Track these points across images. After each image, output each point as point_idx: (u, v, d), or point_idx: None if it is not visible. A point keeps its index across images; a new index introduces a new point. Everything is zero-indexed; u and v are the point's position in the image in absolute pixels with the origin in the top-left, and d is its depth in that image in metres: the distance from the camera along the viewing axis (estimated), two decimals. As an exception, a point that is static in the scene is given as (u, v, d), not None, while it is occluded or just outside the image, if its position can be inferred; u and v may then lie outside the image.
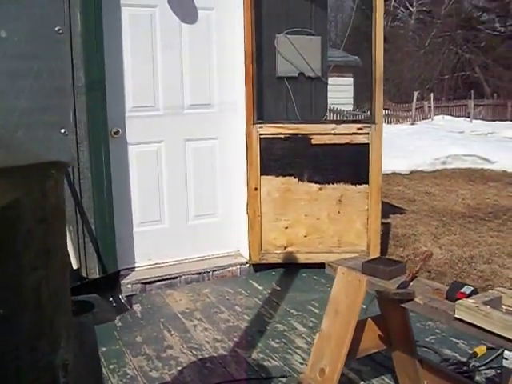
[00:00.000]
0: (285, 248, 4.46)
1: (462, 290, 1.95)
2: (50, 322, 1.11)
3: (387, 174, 9.38)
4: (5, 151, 0.84)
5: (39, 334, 1.07)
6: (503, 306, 1.86)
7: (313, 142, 4.37)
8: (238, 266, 4.48)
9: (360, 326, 2.34)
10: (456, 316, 1.83)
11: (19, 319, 1.02)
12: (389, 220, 6.76)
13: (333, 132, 4.37)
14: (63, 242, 1.15)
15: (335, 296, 2.29)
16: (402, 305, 2.08)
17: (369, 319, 2.48)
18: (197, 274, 4.32)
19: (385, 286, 2.17)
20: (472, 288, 1.96)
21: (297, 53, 4.53)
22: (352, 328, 2.20)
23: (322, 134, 4.37)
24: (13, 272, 1.01)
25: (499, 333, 1.68)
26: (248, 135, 4.33)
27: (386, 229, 6.08)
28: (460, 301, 1.84)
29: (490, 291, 1.95)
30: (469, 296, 1.91)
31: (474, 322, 1.76)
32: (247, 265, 4.50)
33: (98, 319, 1.82)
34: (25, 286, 1.04)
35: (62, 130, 0.92)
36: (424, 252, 2.32)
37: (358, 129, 4.39)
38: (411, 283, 2.17)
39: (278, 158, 4.38)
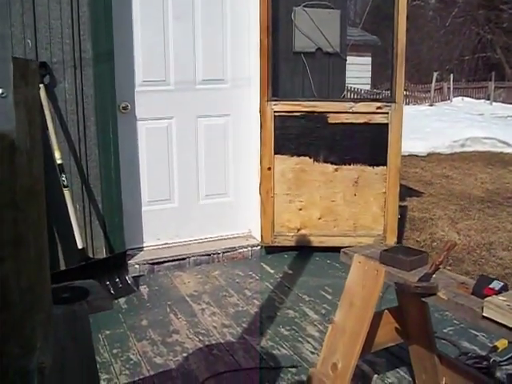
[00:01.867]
0: (298, 230, 4.31)
1: (491, 286, 1.78)
2: (21, 322, 0.96)
3: (404, 156, 9.12)
4: None
5: (9, 335, 0.93)
6: (536, 305, 1.70)
7: (329, 120, 4.18)
8: (250, 248, 4.33)
9: (376, 319, 2.19)
10: (484, 315, 1.67)
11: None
12: (405, 203, 6.57)
13: (351, 111, 4.18)
14: (40, 230, 1.00)
15: (350, 286, 2.14)
16: (424, 299, 1.92)
17: (385, 311, 2.33)
18: (206, 255, 4.18)
19: (405, 278, 2.00)
20: (502, 283, 1.79)
21: (315, 27, 4.32)
22: (368, 322, 2.05)
23: (340, 112, 4.18)
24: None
25: (533, 335, 1.52)
26: (262, 112, 4.16)
27: (402, 212, 5.90)
28: (489, 298, 1.68)
29: (522, 287, 1.78)
30: (498, 292, 1.74)
31: (505, 323, 1.59)
32: (259, 247, 4.35)
33: (93, 307, 1.67)
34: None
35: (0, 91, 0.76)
36: (447, 242, 2.15)
37: (378, 108, 4.19)
38: (434, 275, 2.00)
39: (292, 137, 4.21)
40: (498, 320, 1.63)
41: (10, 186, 0.90)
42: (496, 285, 1.79)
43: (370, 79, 19.61)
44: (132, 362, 2.86)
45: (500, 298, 1.67)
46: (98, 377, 1.75)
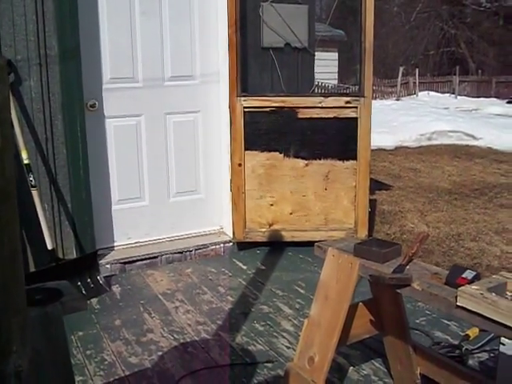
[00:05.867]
0: (270, 226, 4.31)
1: (464, 275, 1.80)
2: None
3: (372, 150, 9.10)
4: None
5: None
6: (508, 293, 1.73)
7: (299, 115, 4.19)
8: (222, 245, 4.31)
9: (351, 311, 2.20)
10: (458, 304, 1.69)
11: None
12: (374, 196, 6.63)
13: (320, 105, 4.19)
14: (13, 231, 0.97)
15: (325, 280, 2.14)
16: (399, 290, 1.93)
17: (360, 304, 2.34)
18: (178, 253, 4.16)
19: (379, 270, 2.02)
20: (474, 273, 1.82)
21: (283, 22, 4.32)
22: (343, 315, 2.06)
23: (309, 107, 4.19)
24: None
25: (507, 323, 1.54)
26: (232, 108, 4.14)
27: (371, 205, 5.94)
28: (463, 287, 1.70)
29: (494, 276, 1.81)
30: (471, 282, 1.76)
31: (479, 311, 1.62)
32: (231, 243, 4.34)
33: (68, 308, 1.64)
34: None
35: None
36: (420, 233, 2.17)
37: (347, 102, 4.21)
38: (407, 267, 2.02)
39: (262, 133, 4.20)
40: (472, 309, 1.65)
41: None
42: (469, 274, 1.81)
43: (337, 74, 19.71)
44: (106, 362, 2.82)
45: (473, 287, 1.69)
46: (73, 379, 1.73)
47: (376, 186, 7.20)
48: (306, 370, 2.14)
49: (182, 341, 3.03)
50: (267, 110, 4.18)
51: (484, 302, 1.61)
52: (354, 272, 2.02)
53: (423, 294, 1.83)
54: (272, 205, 4.29)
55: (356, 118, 4.23)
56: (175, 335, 3.09)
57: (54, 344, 1.56)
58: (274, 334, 3.11)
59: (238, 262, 4.17)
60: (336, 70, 19.64)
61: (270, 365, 2.80)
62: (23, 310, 1.04)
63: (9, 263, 0.97)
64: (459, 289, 1.70)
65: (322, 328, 2.11)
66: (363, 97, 4.21)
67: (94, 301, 3.51)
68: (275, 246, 4.38)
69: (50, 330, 1.55)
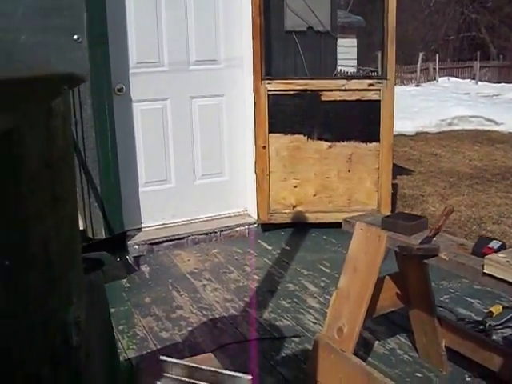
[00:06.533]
0: (294, 207, 4.38)
1: (490, 245, 1.86)
2: (61, 277, 1.02)
3: (393, 135, 9.22)
4: (5, 59, 0.72)
5: (49, 289, 0.98)
6: (534, 261, 1.78)
7: (323, 98, 4.24)
8: (246, 226, 4.39)
9: (378, 285, 2.26)
10: (485, 271, 1.74)
11: (27, 274, 0.93)
12: (395, 181, 6.65)
13: (343, 88, 4.23)
14: (73, 192, 1.05)
15: (353, 253, 2.21)
16: (426, 261, 1.99)
17: (386, 277, 2.40)
18: (204, 234, 4.24)
19: (407, 242, 2.08)
20: (500, 243, 1.87)
21: (305, 5, 4.36)
22: (372, 286, 2.12)
23: (332, 90, 4.24)
24: (18, 220, 0.92)
25: (533, 288, 1.60)
26: (256, 92, 4.20)
27: (393, 189, 5.98)
28: (490, 256, 1.75)
29: (520, 246, 1.86)
30: (497, 251, 1.82)
31: (505, 278, 1.67)
32: (255, 225, 4.41)
33: (109, 277, 1.73)
34: (32, 237, 0.94)
35: (75, 37, 0.80)
36: (446, 207, 2.22)
37: (369, 85, 4.25)
38: (434, 239, 2.08)
39: (286, 116, 4.26)
40: (499, 276, 1.70)
41: (48, 147, 0.95)
42: (495, 244, 1.86)
43: (355, 61, 19.62)
44: (138, 337, 2.92)
45: (500, 255, 1.75)
46: (115, 344, 1.82)
47: (397, 170, 7.22)
48: (335, 340, 2.21)
49: (210, 317, 3.12)
50: (291, 93, 4.23)
51: (510, 269, 1.66)
52: (382, 244, 2.08)
53: (450, 263, 1.89)
54: (296, 187, 4.35)
55: (379, 101, 4.26)
56: (204, 311, 3.18)
57: (97, 310, 1.64)
58: (301, 310, 3.18)
59: (262, 243, 4.25)
60: (355, 56, 19.55)
61: (297, 339, 2.87)
62: (80, 267, 1.12)
63: (70, 221, 1.04)
64: (486, 257, 1.76)
65: (350, 299, 2.17)
66: (386, 79, 4.24)
67: (123, 279, 3.61)
68: (299, 227, 4.45)
69: (93, 297, 1.63)
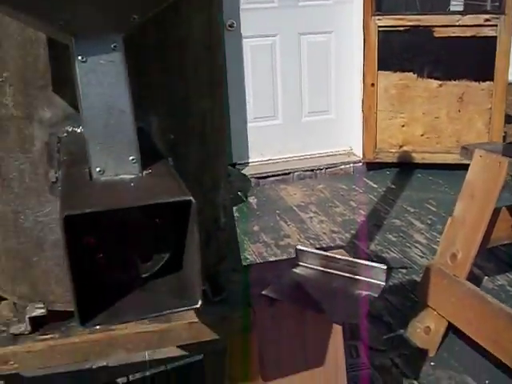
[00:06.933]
0: (400, 147, 4.33)
1: None
2: (213, 156, 1.10)
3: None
4: None
5: (204, 167, 1.07)
6: None
7: (435, 34, 4.10)
8: (351, 165, 4.41)
9: (494, 215, 2.23)
10: None
11: (187, 148, 1.02)
12: (505, 129, 6.37)
13: (457, 24, 4.08)
14: (224, 79, 1.13)
15: (471, 180, 2.19)
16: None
17: (503, 208, 2.37)
18: (309, 170, 4.30)
19: (530, 169, 2.03)
20: None
21: None
22: (489, 213, 2.11)
23: (446, 26, 4.09)
24: (181, 97, 1.00)
25: None
26: (366, 28, 4.13)
27: (503, 137, 5.75)
28: None
29: None
30: None
31: None
32: (360, 163, 4.42)
33: (235, 187, 1.81)
34: (192, 114, 1.03)
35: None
36: None
37: (486, 20, 4.07)
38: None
39: (396, 53, 4.18)
40: None
41: (208, 32, 1.03)
42: None
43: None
44: (249, 260, 3.05)
45: None
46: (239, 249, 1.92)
47: (507, 119, 6.90)
48: (448, 266, 2.22)
49: (317, 246, 3.20)
50: (401, 29, 4.13)
51: None
52: (502, 170, 2.05)
53: None
54: (403, 126, 4.29)
55: (495, 37, 4.08)
56: (311, 241, 3.27)
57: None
58: (407, 244, 3.20)
59: (368, 181, 4.25)
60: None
61: (404, 270, 2.91)
62: (225, 154, 1.20)
63: (222, 107, 1.12)
64: None
65: (466, 225, 2.17)
66: (504, 14, 4.04)
67: (251, 187, 3.74)
68: (404, 167, 4.40)
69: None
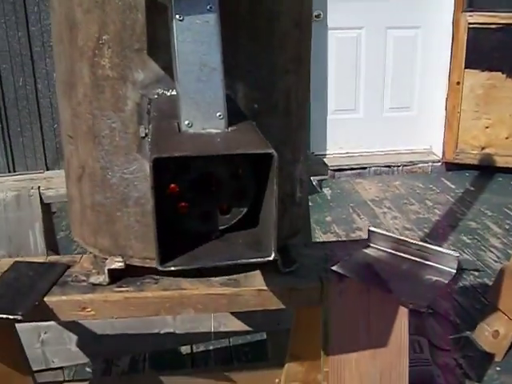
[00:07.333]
0: (482, 149, 4.21)
1: None
2: (295, 130, 1.13)
3: None
4: None
5: (285, 140, 1.10)
6: None
7: (529, 34, 3.97)
8: (430, 164, 4.34)
9: None
10: None
11: (269, 119, 1.05)
12: None
13: (554, 24, 3.93)
14: (310, 56, 1.15)
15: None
16: None
17: None
18: (386, 166, 4.27)
19: None
20: None
21: None
22: None
23: (542, 25, 3.95)
24: (268, 69, 1.03)
25: None
26: (455, 24, 4.05)
27: None
28: None
29: None
30: None
31: None
32: (439, 163, 4.34)
33: (311, 171, 1.84)
34: (276, 88, 1.06)
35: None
36: None
37: None
38: None
39: (485, 51, 4.06)
40: None
41: (298, 8, 1.06)
42: None
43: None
44: (318, 249, 3.07)
45: None
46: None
47: None
48: (523, 269, 2.17)
49: (389, 241, 3.17)
50: (493, 27, 4.01)
51: None
52: None
53: None
54: (487, 127, 4.18)
55: None
56: (383, 236, 3.24)
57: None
58: (482, 247, 3.13)
59: (445, 181, 4.17)
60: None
61: (476, 273, 2.85)
62: (305, 132, 1.22)
63: (307, 83, 1.15)
64: None
65: (546, 229, 2.10)
66: None
67: (327, 173, 3.75)
68: (484, 170, 4.28)
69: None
